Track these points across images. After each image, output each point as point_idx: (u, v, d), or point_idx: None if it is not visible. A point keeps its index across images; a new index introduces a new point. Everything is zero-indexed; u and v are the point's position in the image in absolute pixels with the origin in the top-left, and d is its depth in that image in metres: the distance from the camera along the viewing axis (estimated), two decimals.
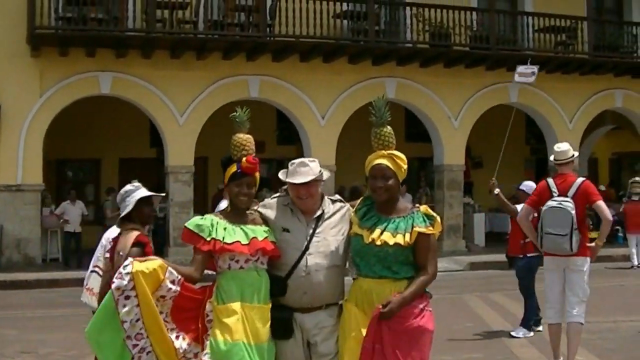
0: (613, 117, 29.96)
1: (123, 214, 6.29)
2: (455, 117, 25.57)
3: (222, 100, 22.88)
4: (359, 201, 5.97)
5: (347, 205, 6.00)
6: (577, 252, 9.35)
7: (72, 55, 21.72)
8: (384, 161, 5.73)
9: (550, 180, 9.79)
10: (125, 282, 5.32)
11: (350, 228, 5.84)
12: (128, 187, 6.54)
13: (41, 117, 21.64)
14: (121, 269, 5.38)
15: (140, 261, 5.46)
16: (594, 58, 26.25)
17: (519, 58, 25.33)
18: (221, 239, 5.60)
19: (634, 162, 34.59)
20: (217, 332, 5.52)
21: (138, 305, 5.33)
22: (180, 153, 22.74)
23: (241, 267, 5.63)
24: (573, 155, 9.94)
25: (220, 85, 23.21)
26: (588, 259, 9.52)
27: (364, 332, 5.51)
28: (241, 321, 5.50)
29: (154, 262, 5.47)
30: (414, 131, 26.13)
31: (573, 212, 9.28)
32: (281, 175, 5.85)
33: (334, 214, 5.90)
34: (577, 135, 27.34)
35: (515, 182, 28.24)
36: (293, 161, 5.92)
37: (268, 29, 22.67)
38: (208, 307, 5.63)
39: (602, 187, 28.51)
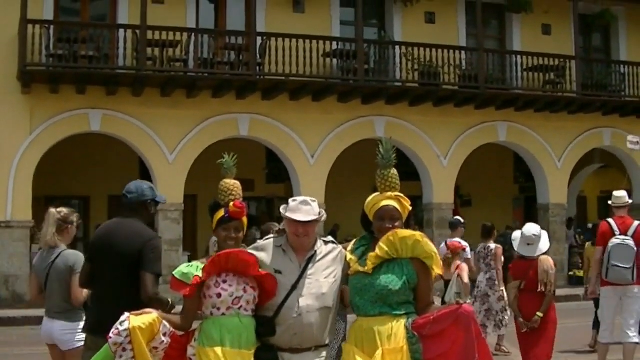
0: (601, 155, 30.08)
1: None
2: (445, 156, 25.64)
3: (211, 139, 22.92)
4: (353, 241, 6.01)
5: (340, 247, 6.04)
6: (635, 281, 11.13)
7: (63, 93, 21.75)
8: (392, 203, 5.83)
9: (612, 221, 11.45)
10: (122, 339, 5.46)
11: (346, 268, 5.89)
12: None
13: (31, 153, 21.63)
14: (118, 325, 5.48)
15: (137, 315, 5.53)
16: (582, 97, 26.38)
17: (508, 97, 25.56)
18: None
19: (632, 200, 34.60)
20: None
21: (133, 357, 5.45)
22: (169, 191, 22.64)
23: (223, 314, 5.69)
24: (628, 201, 11.70)
25: (210, 124, 23.25)
26: None
27: None
28: None
29: (150, 316, 5.60)
30: (402, 169, 25.75)
31: (635, 248, 11.04)
32: (282, 210, 5.89)
33: (326, 255, 5.93)
34: (565, 173, 27.44)
35: (504, 221, 28.45)
36: (295, 198, 6.00)
37: (258, 68, 22.76)
38: (190, 350, 5.73)
39: (591, 226, 28.53)
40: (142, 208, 6.84)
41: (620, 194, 11.73)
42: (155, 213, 7.00)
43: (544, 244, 10.01)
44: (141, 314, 5.60)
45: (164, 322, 5.61)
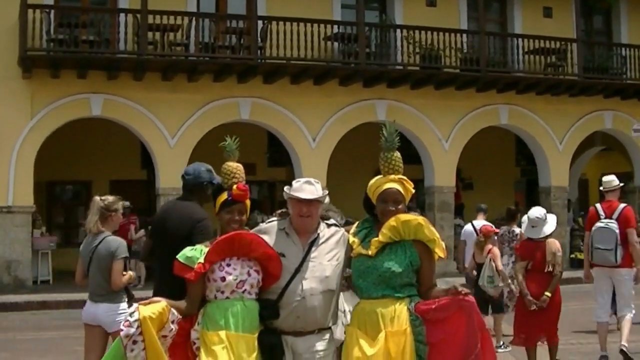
0: (603, 138, 30.08)
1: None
2: (446, 139, 25.63)
3: (213, 123, 22.90)
4: (356, 224, 6.02)
5: (342, 229, 6.05)
6: (621, 263, 11.49)
7: (64, 77, 21.73)
8: (395, 185, 5.85)
9: (599, 206, 11.97)
10: (133, 330, 5.47)
11: (349, 251, 5.91)
12: None
13: (32, 138, 21.62)
14: (128, 317, 5.48)
15: (145, 304, 5.56)
16: (583, 80, 26.35)
17: (509, 80, 25.53)
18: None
19: (623, 183, 34.59)
20: (204, 356, 5.59)
21: (144, 349, 5.47)
22: (171, 175, 22.66)
23: (227, 297, 5.69)
24: (617, 185, 12.11)
25: (211, 108, 23.23)
26: (631, 269, 11.63)
27: (367, 351, 5.56)
28: (227, 349, 5.55)
29: (158, 305, 5.60)
30: (404, 153, 25.76)
31: (617, 231, 11.40)
32: (286, 190, 5.91)
33: (329, 238, 5.94)
34: (567, 156, 27.43)
35: (506, 204, 28.44)
36: (298, 179, 6.02)
37: (259, 52, 22.72)
38: (193, 334, 5.74)
39: None
40: (199, 190, 7.15)
41: (609, 179, 12.18)
42: (211, 195, 7.03)
43: (549, 226, 10.70)
44: (149, 303, 5.60)
45: (173, 310, 5.62)
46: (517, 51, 25.77)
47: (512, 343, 11.36)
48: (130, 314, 5.50)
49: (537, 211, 10.78)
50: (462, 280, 22.13)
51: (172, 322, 5.60)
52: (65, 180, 28.08)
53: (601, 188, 12.33)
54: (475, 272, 13.50)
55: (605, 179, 12.24)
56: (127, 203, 23.34)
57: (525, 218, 11.05)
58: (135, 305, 5.58)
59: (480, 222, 15.27)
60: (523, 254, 10.86)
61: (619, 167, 31.19)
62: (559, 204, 26.88)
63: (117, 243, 8.26)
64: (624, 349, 11.36)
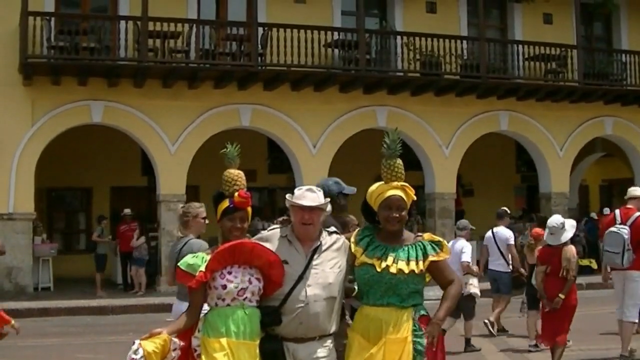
0: (603, 144, 30.07)
1: None
2: (446, 146, 25.63)
3: (213, 129, 22.92)
4: (356, 232, 6.03)
5: (343, 237, 6.06)
6: (633, 266, 11.96)
7: (64, 84, 21.75)
8: (399, 193, 5.88)
9: (617, 211, 12.58)
10: None
11: (351, 258, 5.93)
12: None
13: (33, 145, 21.63)
14: (132, 355, 5.49)
15: (146, 339, 5.58)
16: (583, 86, 26.32)
17: (510, 86, 25.54)
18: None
19: (624, 189, 34.52)
20: None
21: None
22: (171, 182, 22.73)
23: (228, 305, 5.69)
24: (637, 195, 12.67)
25: (211, 114, 23.25)
26: None
27: (365, 356, 5.61)
28: (228, 356, 5.55)
29: (160, 338, 5.60)
30: (405, 159, 25.91)
31: (627, 236, 11.90)
32: (288, 197, 5.91)
33: (330, 245, 5.95)
34: (567, 162, 27.42)
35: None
36: (300, 187, 6.03)
37: (259, 58, 22.73)
38: (194, 341, 5.74)
39: (594, 215, 28.58)
40: (331, 202, 7.05)
41: (631, 189, 13.03)
42: (345, 204, 7.23)
43: (567, 233, 11.36)
44: (150, 336, 5.60)
45: (174, 339, 5.62)
46: (518, 57, 25.78)
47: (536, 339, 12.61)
48: (135, 352, 5.49)
49: (555, 220, 11.45)
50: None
51: (174, 349, 5.61)
52: (66, 186, 28.07)
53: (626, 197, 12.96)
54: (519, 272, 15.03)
55: (630, 189, 13.07)
56: (128, 210, 23.48)
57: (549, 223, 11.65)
58: (137, 342, 5.56)
59: (500, 229, 16.22)
60: (543, 259, 11.63)
61: (619, 173, 31.24)
62: (559, 210, 26.78)
63: (199, 245, 8.51)
64: None
